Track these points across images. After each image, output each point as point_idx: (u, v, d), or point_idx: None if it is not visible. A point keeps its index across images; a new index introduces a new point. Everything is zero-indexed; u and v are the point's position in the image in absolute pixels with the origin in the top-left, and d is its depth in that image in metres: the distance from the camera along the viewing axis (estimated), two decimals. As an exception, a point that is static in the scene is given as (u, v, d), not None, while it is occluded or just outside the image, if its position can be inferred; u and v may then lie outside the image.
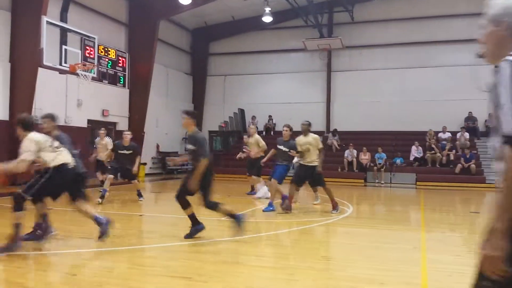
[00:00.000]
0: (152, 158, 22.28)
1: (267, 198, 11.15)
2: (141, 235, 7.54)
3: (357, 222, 9.24)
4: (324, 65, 24.13)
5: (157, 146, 22.62)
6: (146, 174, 20.82)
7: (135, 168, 10.98)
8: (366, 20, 23.20)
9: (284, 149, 9.76)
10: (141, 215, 9.51)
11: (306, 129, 9.51)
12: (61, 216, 8.71)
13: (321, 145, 9.42)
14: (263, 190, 11.84)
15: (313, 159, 9.31)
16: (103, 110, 18.67)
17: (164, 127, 23.00)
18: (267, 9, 20.99)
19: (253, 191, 12.57)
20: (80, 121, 17.42)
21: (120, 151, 10.78)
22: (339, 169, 19.66)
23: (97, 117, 18.50)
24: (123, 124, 19.92)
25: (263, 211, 9.54)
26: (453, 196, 14.87)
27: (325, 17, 23.24)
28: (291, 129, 9.92)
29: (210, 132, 25.96)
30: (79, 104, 17.41)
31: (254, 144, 12.01)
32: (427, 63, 22.43)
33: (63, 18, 16.20)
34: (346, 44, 22.62)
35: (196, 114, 7.80)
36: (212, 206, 6.68)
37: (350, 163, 19.59)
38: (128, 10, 20.38)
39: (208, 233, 7.79)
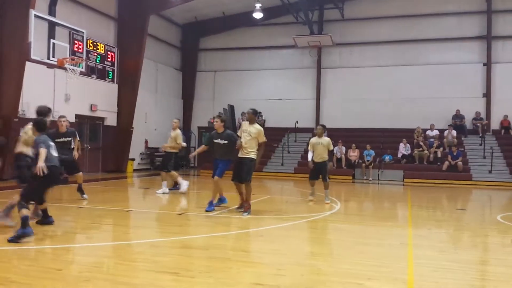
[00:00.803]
0: (140, 153, 22.17)
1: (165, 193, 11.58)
2: (129, 230, 7.51)
3: (345, 219, 9.30)
4: (314, 62, 24.17)
5: (146, 142, 22.51)
6: (134, 170, 20.73)
7: (75, 153, 9.83)
8: (356, 17, 23.28)
9: (221, 142, 9.04)
10: (128, 211, 9.48)
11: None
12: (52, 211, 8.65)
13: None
14: (184, 184, 11.86)
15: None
16: (91, 105, 18.52)
17: (153, 122, 22.90)
18: (258, 5, 20.95)
19: (176, 185, 12.22)
20: (68, 116, 17.11)
21: (57, 140, 8.90)
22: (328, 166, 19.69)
23: (85, 112, 18.34)
24: (111, 119, 19.79)
25: (206, 210, 8.84)
26: (440, 193, 15.02)
27: (316, 14, 23.28)
28: (222, 120, 9.20)
29: (199, 128, 25.92)
30: (67, 99, 17.25)
31: (173, 139, 11.97)
32: (416, 61, 22.59)
33: (52, 12, 16.02)
34: (336, 41, 22.68)
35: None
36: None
37: (338, 160, 19.68)
38: (117, 4, 20.20)
39: (196, 228, 7.80)
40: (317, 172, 10.90)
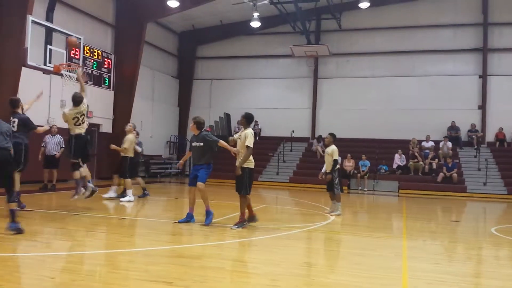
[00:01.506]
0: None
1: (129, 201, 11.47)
2: (122, 238, 7.46)
3: (340, 229, 9.28)
4: (311, 71, 24.28)
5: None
6: (130, 177, 20.61)
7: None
8: (353, 28, 23.43)
9: (197, 144, 8.51)
10: (122, 218, 9.42)
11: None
12: (43, 218, 8.60)
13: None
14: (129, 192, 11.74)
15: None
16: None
17: (149, 130, 22.85)
18: (256, 14, 21.04)
19: (124, 193, 12.05)
20: (63, 122, 17.13)
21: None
22: (323, 176, 19.68)
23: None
24: (107, 126, 19.75)
25: (205, 224, 8.31)
26: (434, 205, 15.03)
27: (313, 24, 23.39)
28: (195, 122, 8.63)
29: (195, 136, 25.85)
30: (63, 105, 17.16)
31: (125, 143, 11.83)
32: (412, 72, 22.73)
33: (49, 18, 16.02)
34: (333, 51, 22.79)
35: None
36: None
37: (334, 170, 19.65)
38: (115, 11, 20.24)
39: (190, 237, 7.75)
40: (328, 183, 10.65)
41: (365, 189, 19.14)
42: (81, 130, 9.57)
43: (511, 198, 17.46)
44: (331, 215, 10.34)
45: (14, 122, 8.66)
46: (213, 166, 8.64)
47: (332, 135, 10.73)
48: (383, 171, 19.89)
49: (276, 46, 24.50)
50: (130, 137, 11.89)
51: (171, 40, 25.25)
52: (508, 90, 21.42)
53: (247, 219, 8.30)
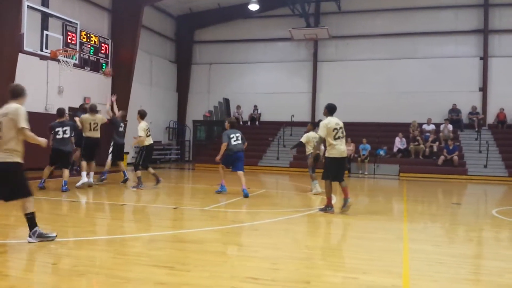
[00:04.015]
0: (134, 147, 22.04)
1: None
2: (123, 224, 7.46)
3: (340, 212, 9.28)
4: (311, 55, 24.09)
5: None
6: (128, 164, 20.59)
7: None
8: (353, 10, 23.19)
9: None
10: (122, 205, 9.42)
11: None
12: (41, 205, 8.59)
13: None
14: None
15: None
16: (84, 98, 18.36)
17: (148, 115, 22.64)
18: (254, -3, 20.81)
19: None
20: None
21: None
22: (323, 160, 19.70)
23: (79, 104, 18.15)
24: (105, 112, 19.57)
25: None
26: (435, 188, 15.04)
27: (312, 6, 23.15)
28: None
29: (194, 121, 25.81)
30: (60, 91, 17.11)
31: (139, 131, 11.91)
32: (413, 55, 22.56)
33: (45, 3, 15.82)
34: (332, 34, 22.58)
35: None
36: None
37: (334, 154, 19.64)
38: (111, -5, 20.01)
39: (191, 222, 7.76)
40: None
41: (366, 173, 19.14)
42: (94, 134, 11.36)
43: (512, 180, 17.48)
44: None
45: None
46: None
47: (312, 123, 11.90)
48: (382, 154, 19.84)
49: (274, 30, 24.27)
50: (142, 124, 11.73)
51: (169, 24, 25.02)
52: (509, 71, 21.27)
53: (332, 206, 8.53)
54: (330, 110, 8.54)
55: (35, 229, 5.43)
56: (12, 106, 5.40)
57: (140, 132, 11.52)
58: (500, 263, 5.37)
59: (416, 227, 7.61)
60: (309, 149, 11.17)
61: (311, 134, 11.26)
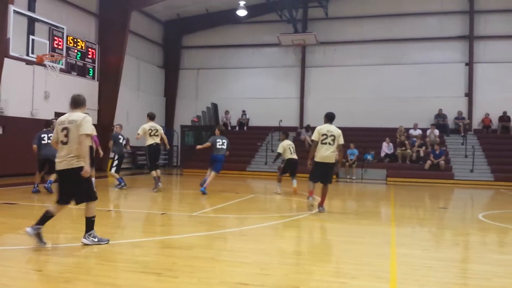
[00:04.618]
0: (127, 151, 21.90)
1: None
2: (110, 230, 7.38)
3: (328, 217, 9.28)
4: (298, 60, 24.19)
5: (127, 141, 22.20)
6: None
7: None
8: (340, 16, 23.37)
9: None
10: (109, 210, 9.33)
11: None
12: (28, 210, 8.48)
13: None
14: None
15: None
16: (72, 103, 18.21)
17: (135, 121, 22.57)
18: (242, 3, 20.87)
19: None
20: (47, 114, 16.94)
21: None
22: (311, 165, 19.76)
23: (65, 109, 17.72)
24: (92, 117, 19.43)
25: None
26: (422, 192, 15.14)
27: (300, 12, 23.27)
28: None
29: (182, 126, 25.72)
30: (47, 96, 16.94)
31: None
32: (399, 61, 22.78)
33: (31, 7, 15.72)
34: (320, 40, 22.72)
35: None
36: None
37: (322, 159, 19.71)
38: (98, 0, 19.90)
39: (179, 228, 7.71)
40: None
41: (354, 178, 19.22)
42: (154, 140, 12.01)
43: (498, 184, 17.67)
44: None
45: None
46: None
47: (284, 133, 13.24)
48: (370, 159, 19.95)
49: (262, 35, 24.35)
50: (145, 125, 12.13)
51: (156, 29, 24.96)
52: (494, 77, 21.61)
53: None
54: (328, 117, 9.15)
55: (91, 232, 5.75)
56: (78, 114, 5.73)
57: (139, 130, 12.10)
58: (487, 267, 5.41)
59: (404, 232, 7.64)
60: (288, 156, 12.28)
61: (285, 142, 12.42)
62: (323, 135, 8.73)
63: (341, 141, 8.90)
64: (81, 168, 5.52)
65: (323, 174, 8.87)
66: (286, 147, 12.25)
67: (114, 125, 13.44)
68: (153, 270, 4.72)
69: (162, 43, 25.50)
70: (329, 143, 8.72)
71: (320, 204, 9.05)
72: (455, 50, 22.29)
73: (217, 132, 11.98)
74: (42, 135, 10.51)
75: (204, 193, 11.32)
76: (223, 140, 11.67)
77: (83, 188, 5.65)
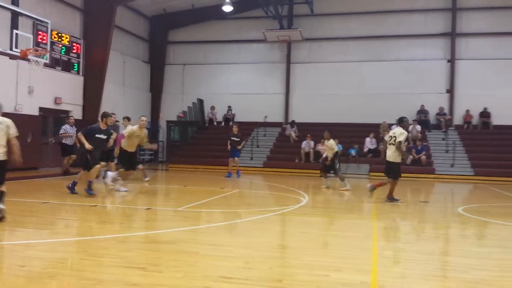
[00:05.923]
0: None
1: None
2: (95, 225, 7.39)
3: (312, 211, 9.43)
4: (284, 56, 24.27)
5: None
6: (102, 164, 20.33)
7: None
8: (325, 13, 23.47)
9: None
10: (94, 206, 9.32)
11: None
12: (10, 206, 8.42)
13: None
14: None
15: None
16: (55, 98, 18.05)
17: (120, 116, 22.44)
18: (228, -2, 20.83)
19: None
20: (31, 109, 16.81)
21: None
22: (297, 160, 19.91)
23: (49, 105, 17.87)
24: (76, 113, 19.33)
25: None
26: (403, 187, 15.30)
27: (285, 9, 23.33)
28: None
29: (168, 122, 25.64)
30: (31, 91, 16.77)
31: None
32: (383, 57, 22.99)
33: (15, 1, 15.48)
34: (305, 36, 22.81)
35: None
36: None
37: (307, 154, 19.88)
38: (83, -6, 19.72)
39: (164, 223, 7.75)
40: (328, 166, 13.72)
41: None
42: None
43: (478, 179, 18.00)
44: (343, 190, 12.88)
45: None
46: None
47: (329, 131, 13.55)
48: (353, 154, 20.13)
49: (248, 31, 24.35)
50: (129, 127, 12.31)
51: (142, 25, 24.80)
52: (475, 74, 21.94)
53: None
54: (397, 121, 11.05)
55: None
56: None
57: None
58: (467, 259, 5.55)
59: (385, 225, 7.79)
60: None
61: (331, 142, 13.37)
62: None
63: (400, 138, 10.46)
64: None
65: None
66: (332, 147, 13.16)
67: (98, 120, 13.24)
68: (138, 265, 4.77)
69: (148, 38, 25.35)
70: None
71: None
72: (437, 47, 22.57)
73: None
74: None
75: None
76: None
77: None
